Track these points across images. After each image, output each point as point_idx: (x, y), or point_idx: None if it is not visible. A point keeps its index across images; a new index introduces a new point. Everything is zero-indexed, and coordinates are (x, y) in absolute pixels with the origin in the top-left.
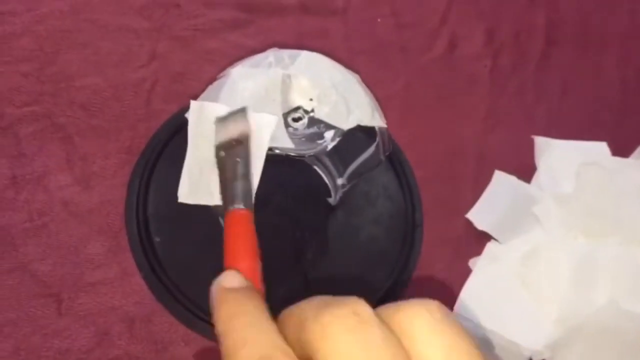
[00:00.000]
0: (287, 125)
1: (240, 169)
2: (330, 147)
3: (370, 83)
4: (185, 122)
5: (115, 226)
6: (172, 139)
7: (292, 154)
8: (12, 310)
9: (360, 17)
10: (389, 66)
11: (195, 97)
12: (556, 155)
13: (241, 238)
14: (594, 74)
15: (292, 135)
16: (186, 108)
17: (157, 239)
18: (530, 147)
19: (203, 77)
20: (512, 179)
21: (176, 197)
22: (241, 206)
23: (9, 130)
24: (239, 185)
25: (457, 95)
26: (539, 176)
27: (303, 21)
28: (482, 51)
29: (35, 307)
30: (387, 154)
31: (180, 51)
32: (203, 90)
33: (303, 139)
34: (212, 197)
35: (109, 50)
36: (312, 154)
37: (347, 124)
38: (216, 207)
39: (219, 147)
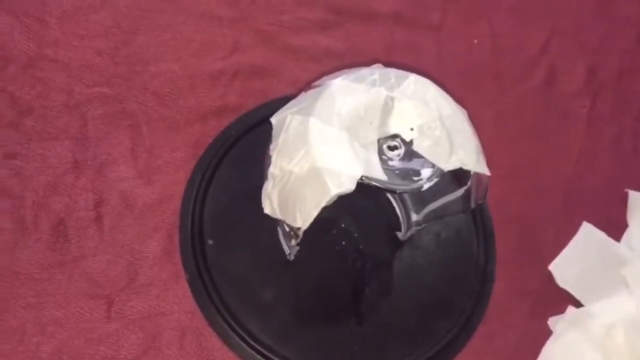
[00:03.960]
0: (381, 153)
1: None
2: (426, 187)
3: None
4: (260, 120)
5: (171, 224)
6: (244, 137)
7: (382, 187)
8: (59, 308)
9: (455, 35)
10: (481, 92)
11: (274, 96)
12: None
13: None
14: None
15: (385, 165)
16: (263, 105)
17: (209, 242)
18: (622, 201)
19: (284, 75)
20: (601, 235)
21: (238, 201)
22: None
23: (76, 110)
24: None
25: (549, 133)
26: (630, 234)
27: (394, 32)
28: (581, 89)
29: (83, 308)
30: (479, 202)
31: (263, 46)
32: (282, 90)
33: (397, 172)
34: (299, 219)
35: (189, 36)
36: (404, 191)
37: (448, 164)
38: (294, 229)
39: None
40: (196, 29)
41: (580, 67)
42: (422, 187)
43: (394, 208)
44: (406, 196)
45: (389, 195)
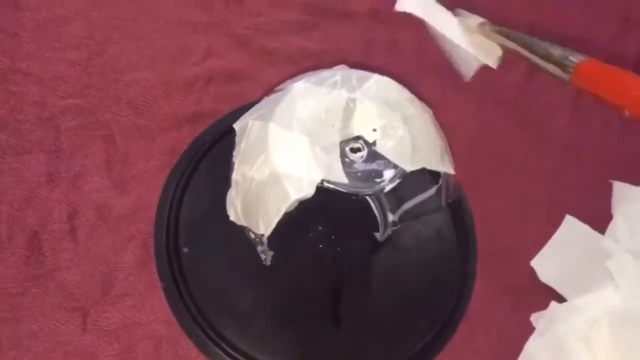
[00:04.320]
0: (343, 155)
1: None
2: (388, 188)
3: (439, 105)
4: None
5: (146, 233)
6: (219, 142)
7: (344, 191)
8: (35, 322)
9: None
10: (462, 87)
11: (250, 100)
12: (636, 205)
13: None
14: None
15: (348, 168)
16: (239, 110)
17: (185, 250)
18: (607, 193)
19: (260, 79)
20: (584, 228)
21: (213, 208)
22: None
23: (50, 122)
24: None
25: (533, 125)
26: (615, 227)
27: (372, 29)
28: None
29: (59, 321)
30: (449, 201)
31: (238, 50)
32: (258, 93)
33: (359, 174)
34: (262, 226)
35: (163, 43)
36: (367, 193)
37: (411, 165)
38: (258, 236)
39: None
40: (170, 36)
41: None
42: (384, 189)
43: (371, 209)
44: (382, 196)
45: (366, 196)
